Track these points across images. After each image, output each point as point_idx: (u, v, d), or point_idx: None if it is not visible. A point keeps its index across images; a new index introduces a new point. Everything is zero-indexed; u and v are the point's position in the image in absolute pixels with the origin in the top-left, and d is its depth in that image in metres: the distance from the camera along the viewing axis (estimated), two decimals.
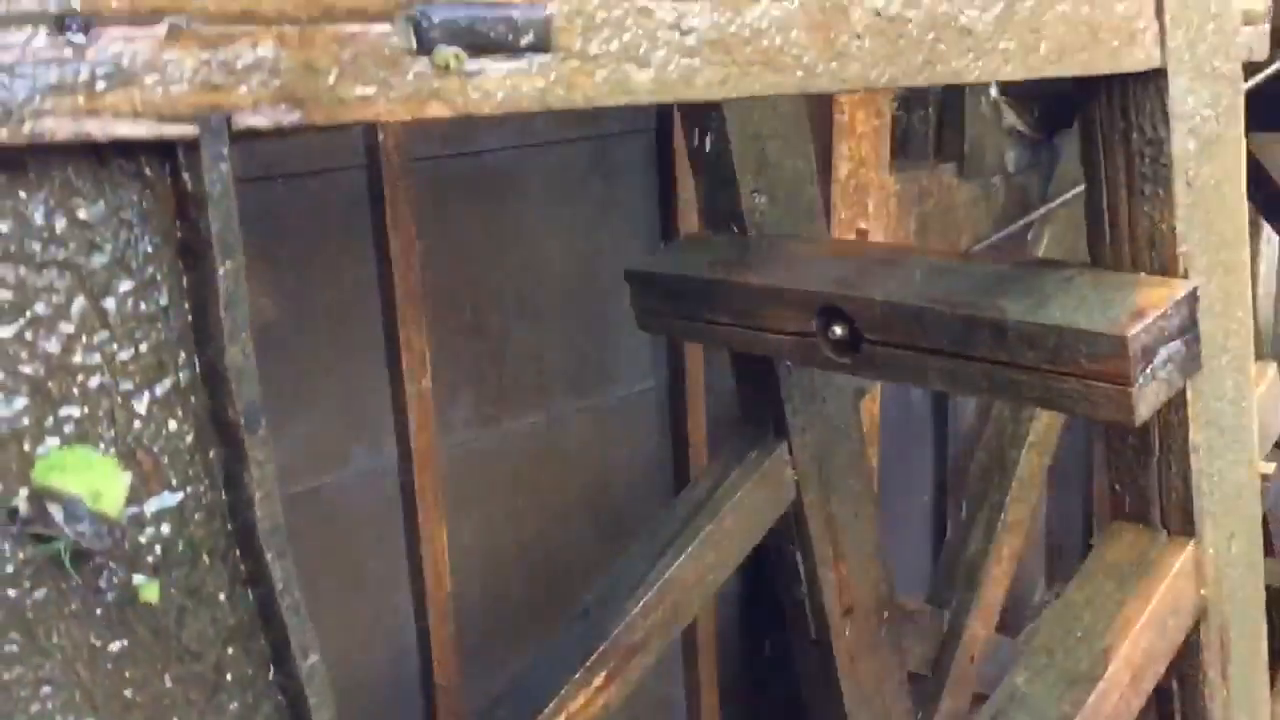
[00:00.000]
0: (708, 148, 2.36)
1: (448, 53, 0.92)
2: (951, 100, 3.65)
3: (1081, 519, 4.45)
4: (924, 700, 3.21)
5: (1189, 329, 1.74)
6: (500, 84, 0.96)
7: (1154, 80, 1.63)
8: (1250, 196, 1.90)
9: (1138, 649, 1.86)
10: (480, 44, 0.94)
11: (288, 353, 2.49)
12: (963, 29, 1.33)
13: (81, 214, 0.80)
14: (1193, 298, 1.73)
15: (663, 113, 3.04)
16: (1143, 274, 1.77)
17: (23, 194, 0.78)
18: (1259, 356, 2.14)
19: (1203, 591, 1.96)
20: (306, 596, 0.89)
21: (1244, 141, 1.82)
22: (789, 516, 2.66)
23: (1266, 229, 4.09)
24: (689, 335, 2.60)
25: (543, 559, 3.03)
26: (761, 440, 2.60)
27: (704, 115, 2.31)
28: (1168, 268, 1.75)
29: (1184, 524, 1.93)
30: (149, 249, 0.84)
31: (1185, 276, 1.75)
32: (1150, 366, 1.67)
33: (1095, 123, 1.73)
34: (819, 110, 3.18)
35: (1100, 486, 4.16)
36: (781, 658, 3.28)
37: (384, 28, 0.89)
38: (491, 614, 2.92)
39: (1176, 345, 1.72)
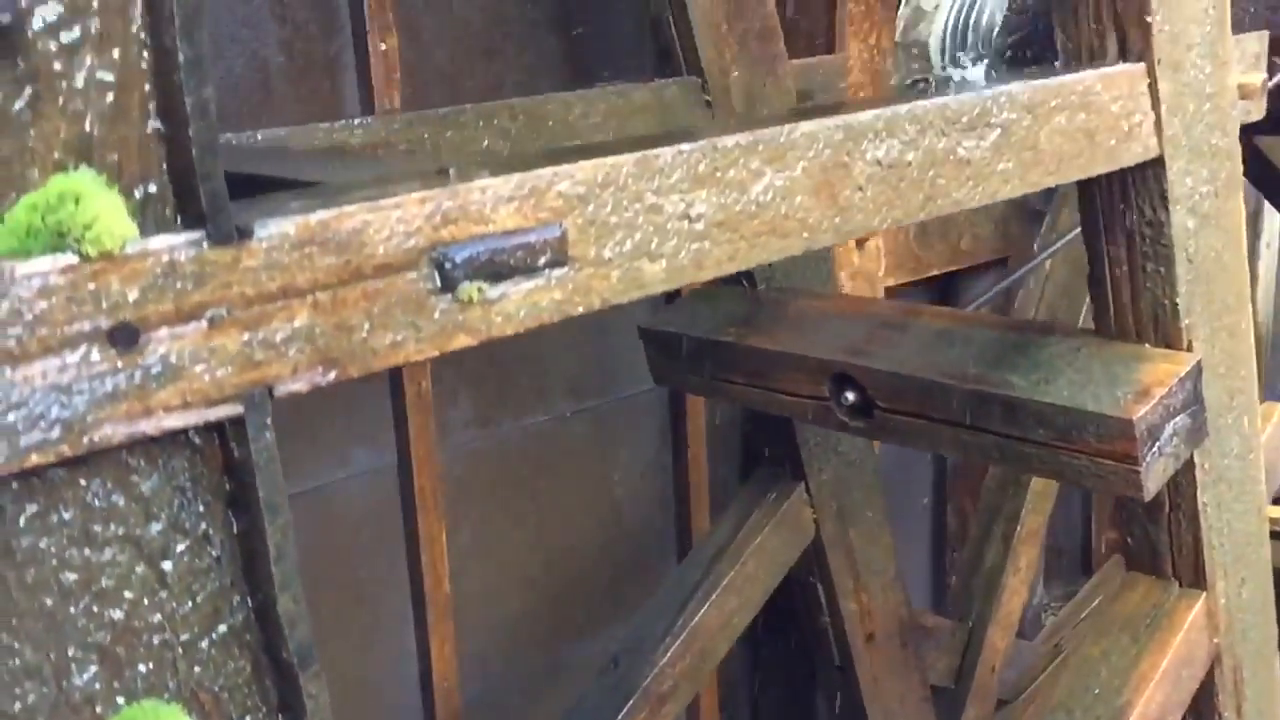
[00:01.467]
0: None
1: (471, 288, 0.96)
2: None
3: (1081, 523, 4.50)
4: (947, 712, 3.27)
5: (1194, 401, 1.78)
6: (521, 304, 1.00)
7: (1152, 167, 1.66)
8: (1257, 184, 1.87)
9: (1154, 703, 1.91)
10: (501, 272, 0.98)
11: None
12: (961, 160, 1.37)
13: (139, 489, 0.85)
14: (1197, 371, 1.77)
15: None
16: (1147, 345, 1.81)
17: (83, 482, 0.83)
18: (1259, 353, 2.18)
19: (1216, 640, 2.01)
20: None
21: (1243, 207, 1.85)
22: (809, 551, 2.72)
23: (1265, 232, 4.09)
24: (705, 392, 2.64)
25: (542, 560, 3.05)
26: (779, 481, 2.66)
27: None
28: (1171, 341, 1.78)
29: (1195, 577, 1.98)
30: (201, 508, 0.89)
31: (1189, 348, 1.78)
32: (1157, 444, 1.71)
33: (1094, 200, 1.76)
34: None
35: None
36: (779, 661, 3.36)
37: (410, 275, 0.93)
38: (491, 615, 2.94)
39: (1182, 419, 1.76)
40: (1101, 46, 1.63)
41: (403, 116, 1.84)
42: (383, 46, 2.45)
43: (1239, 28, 3.17)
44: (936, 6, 3.96)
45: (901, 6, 4.00)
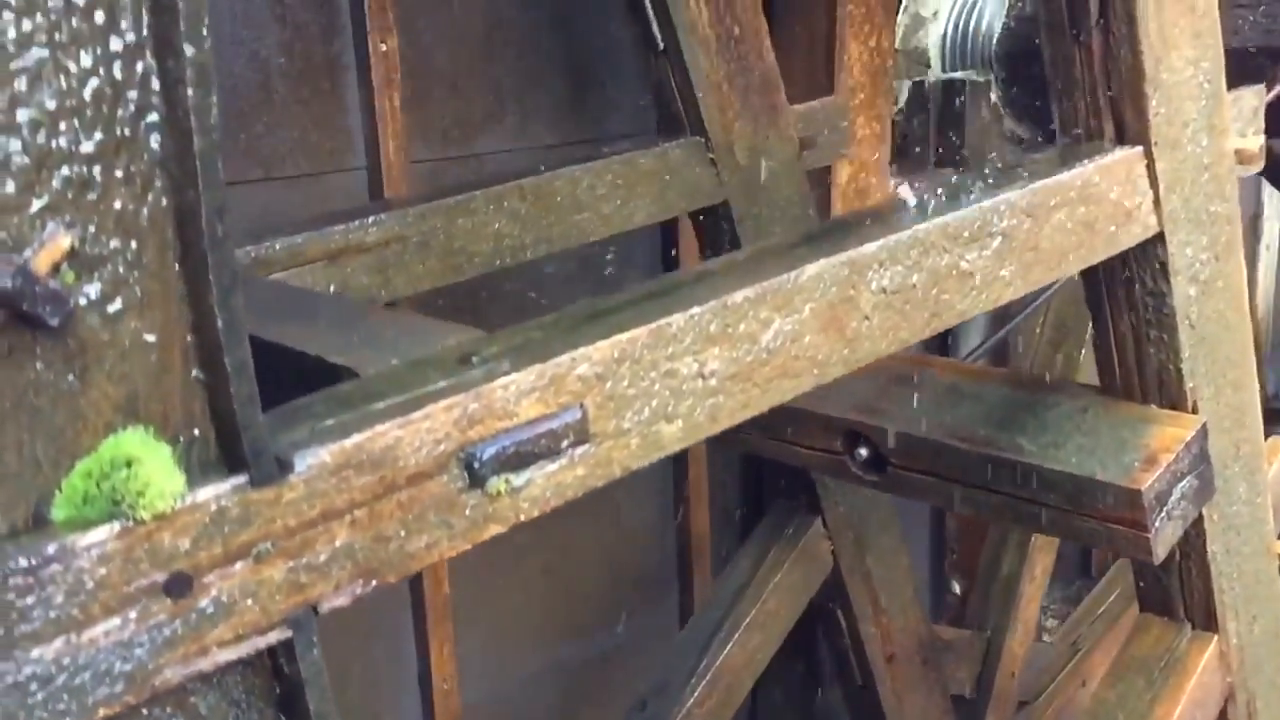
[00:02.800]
0: (722, 250, 2.42)
1: (499, 482, 1.00)
2: (951, 105, 3.70)
3: None
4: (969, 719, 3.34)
5: (1201, 462, 1.82)
6: (546, 486, 1.05)
7: (1152, 243, 1.69)
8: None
9: None
10: (526, 460, 1.03)
11: None
12: (964, 274, 1.40)
13: (197, 709, 0.91)
14: (1203, 433, 1.80)
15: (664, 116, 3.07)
16: (1153, 407, 1.84)
17: (145, 711, 0.88)
18: (1258, 349, 2.21)
19: (1229, 679, 2.06)
20: None
21: (1244, 267, 1.88)
22: (828, 579, 2.78)
23: (1265, 235, 4.11)
24: (720, 441, 2.67)
25: (541, 561, 3.06)
26: (795, 515, 2.71)
27: (717, 224, 2.38)
28: (1177, 402, 1.82)
29: (1207, 620, 2.03)
30: (255, 716, 0.94)
31: (1194, 410, 1.82)
32: (1165, 509, 1.75)
33: (1096, 271, 1.79)
34: None
35: None
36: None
37: (441, 478, 0.98)
38: (490, 616, 2.96)
39: (1190, 481, 1.80)
40: (1099, 127, 1.66)
41: (414, 210, 1.88)
42: (383, 47, 2.46)
43: (1238, 36, 3.19)
44: (935, 14, 3.97)
45: (900, 14, 4.00)
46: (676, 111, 2.27)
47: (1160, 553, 1.76)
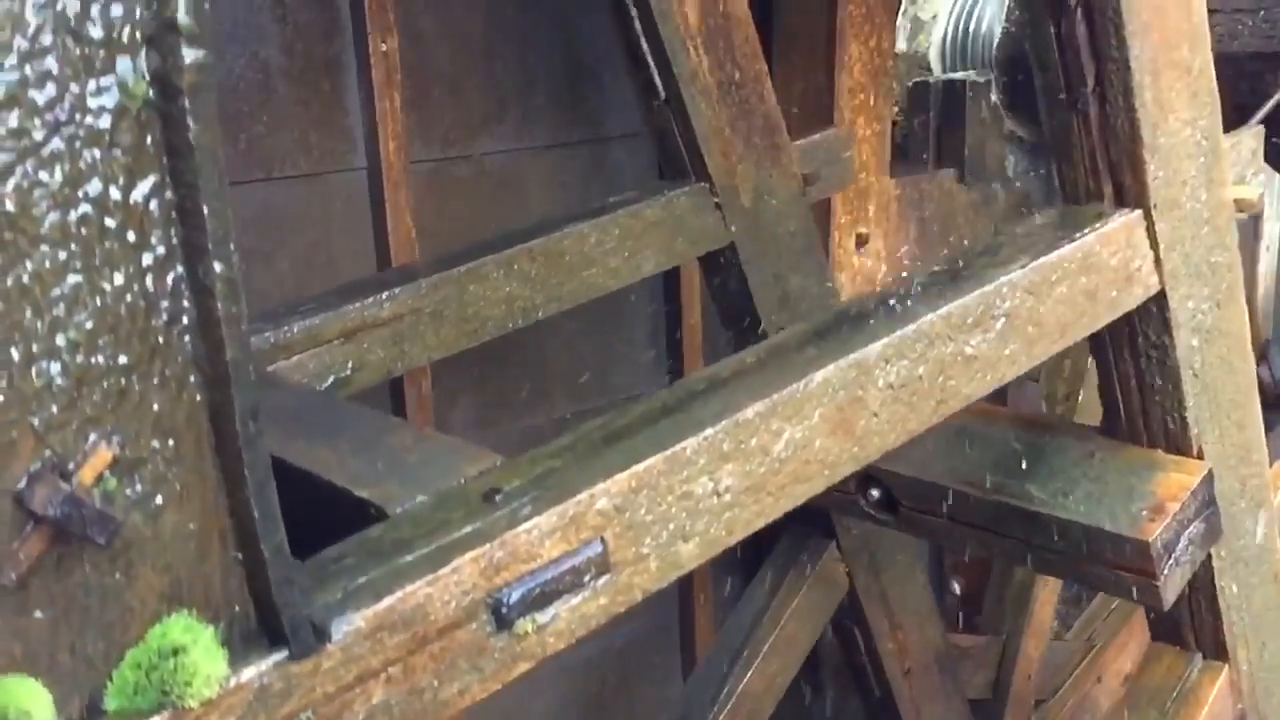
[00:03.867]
0: (729, 290, 2.46)
1: (525, 622, 1.04)
2: (952, 105, 3.71)
3: None
4: None
5: (1207, 506, 1.85)
6: (570, 619, 1.09)
7: (1154, 299, 1.72)
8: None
9: None
10: (550, 598, 1.07)
11: None
12: (969, 358, 1.43)
13: None
14: (1209, 479, 1.84)
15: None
16: (1159, 452, 1.88)
17: None
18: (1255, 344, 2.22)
19: (1240, 706, 2.10)
20: None
21: (1245, 310, 1.90)
22: (844, 600, 2.82)
23: (1265, 236, 4.12)
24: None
25: None
26: (810, 540, 2.75)
27: (724, 266, 2.40)
28: (1182, 448, 1.85)
29: (1218, 650, 2.07)
30: None
31: (1199, 455, 1.85)
32: (1174, 556, 1.79)
33: None
34: (819, 113, 3.24)
35: None
36: None
37: (470, 626, 1.02)
38: None
39: (1197, 526, 1.83)
40: (1098, 189, 1.68)
41: (427, 281, 1.91)
42: (383, 47, 2.48)
43: (1237, 41, 3.18)
44: (934, 17, 3.97)
45: (899, 17, 4.00)
46: (679, 155, 2.29)
47: (1169, 598, 1.80)
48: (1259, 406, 1.99)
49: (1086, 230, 1.58)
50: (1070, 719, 3.56)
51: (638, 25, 2.17)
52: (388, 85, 2.50)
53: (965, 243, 3.74)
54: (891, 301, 1.41)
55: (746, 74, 2.30)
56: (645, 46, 2.19)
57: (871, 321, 1.38)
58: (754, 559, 2.90)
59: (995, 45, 3.71)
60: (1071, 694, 3.62)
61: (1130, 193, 1.65)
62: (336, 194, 2.58)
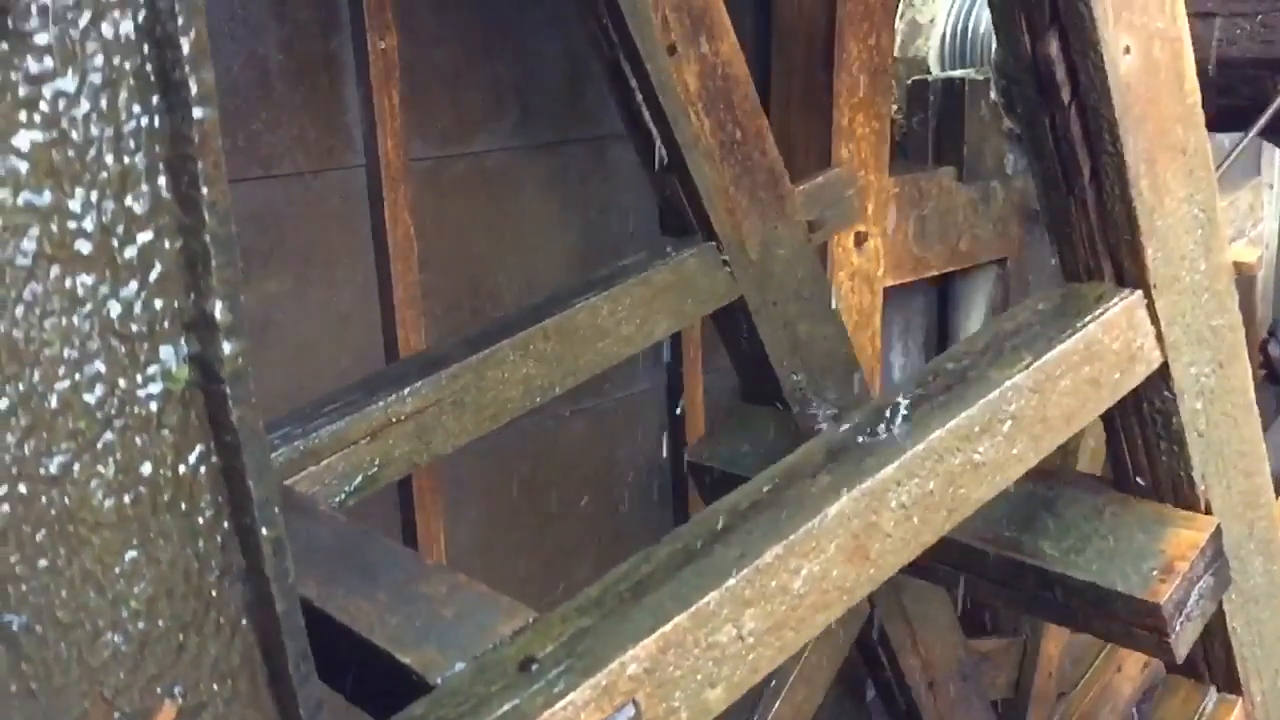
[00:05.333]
0: (740, 340, 2.50)
1: None
2: (951, 103, 3.73)
3: None
4: None
5: (1216, 559, 1.90)
6: None
7: (1157, 371, 1.76)
8: None
9: None
10: None
11: (286, 353, 2.58)
12: (978, 465, 1.48)
13: None
14: (1217, 534, 1.88)
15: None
16: (1167, 506, 1.92)
17: None
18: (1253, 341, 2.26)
19: None
20: None
21: (1249, 366, 1.94)
22: (867, 621, 2.89)
23: (1265, 235, 4.13)
24: None
25: (541, 560, 3.13)
26: None
27: (733, 319, 2.45)
28: (1190, 504, 1.90)
29: (1231, 683, 2.13)
30: None
31: (1207, 509, 1.90)
32: (1185, 613, 1.84)
33: None
34: (818, 111, 3.27)
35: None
36: None
37: None
38: None
39: (1206, 580, 1.88)
40: (1098, 267, 1.71)
41: (446, 372, 1.95)
42: (382, 45, 2.50)
43: (1235, 46, 3.19)
44: (932, 20, 3.97)
45: (898, 20, 4.00)
46: (684, 213, 2.33)
47: (1182, 653, 1.86)
48: (1264, 449, 2.04)
49: (1088, 319, 1.62)
50: (1092, 709, 3.64)
51: (638, 96, 2.20)
52: (386, 83, 2.51)
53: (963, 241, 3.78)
54: (900, 414, 1.46)
55: (748, 131, 2.33)
56: (647, 114, 2.21)
57: (883, 439, 1.42)
58: None
59: (994, 46, 3.72)
60: (1093, 684, 3.70)
61: (1130, 274, 1.69)
62: (335, 191, 2.61)
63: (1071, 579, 1.88)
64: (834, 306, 2.62)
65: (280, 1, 2.43)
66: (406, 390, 1.92)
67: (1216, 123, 3.15)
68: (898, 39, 3.83)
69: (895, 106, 3.81)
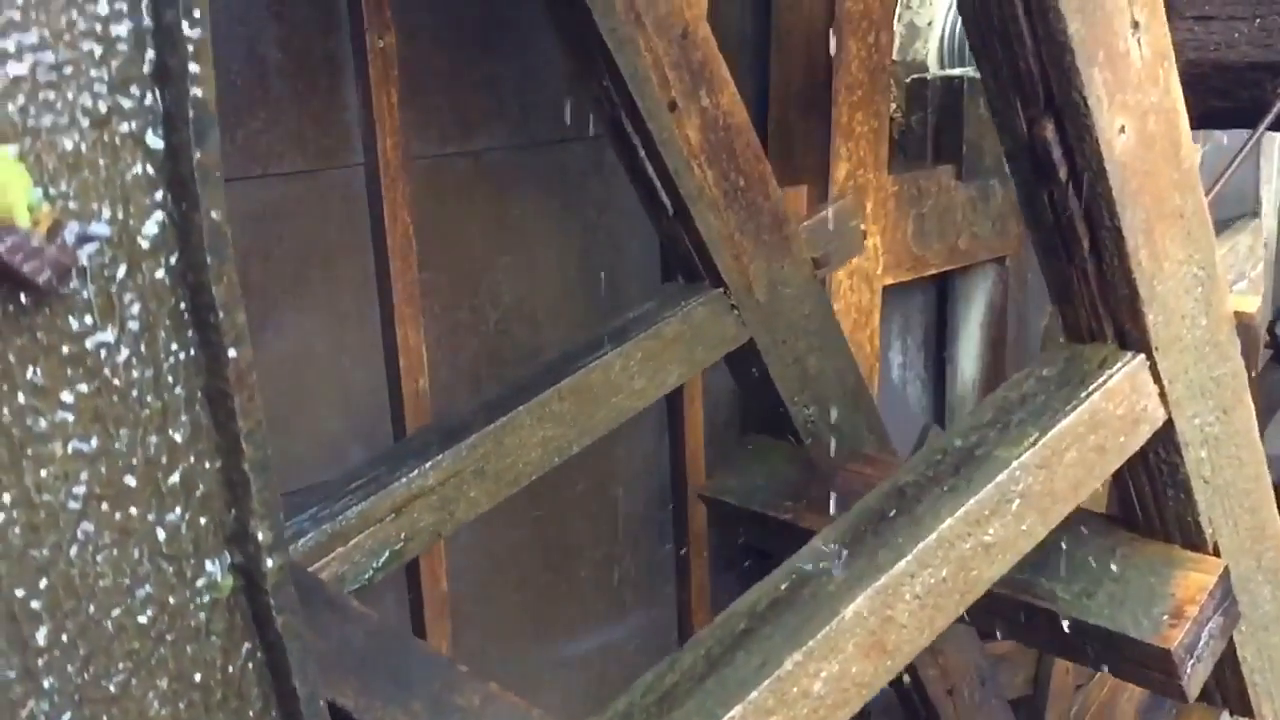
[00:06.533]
0: (750, 378, 2.54)
1: None
2: (950, 102, 3.74)
3: None
4: (1030, 718, 3.54)
5: (1224, 599, 1.94)
6: None
7: (1161, 430, 1.79)
8: None
9: None
10: None
11: (285, 352, 2.57)
12: (989, 545, 1.52)
13: None
14: (1225, 576, 1.93)
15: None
16: (1176, 548, 1.97)
17: None
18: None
19: None
20: None
21: (1253, 410, 1.97)
22: None
23: (1264, 233, 4.14)
24: (764, 548, 2.80)
25: (540, 558, 3.11)
26: None
27: (743, 361, 2.48)
28: (1198, 546, 1.94)
29: (1243, 707, 2.18)
30: None
31: (1215, 551, 1.94)
32: (1195, 655, 1.89)
33: None
34: (817, 109, 3.28)
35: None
36: None
37: None
38: (488, 614, 3.00)
39: (1216, 620, 1.93)
40: (1100, 330, 1.75)
41: (466, 442, 2.00)
42: (380, 43, 2.50)
43: (1234, 50, 3.20)
44: (930, 23, 3.98)
45: (895, 23, 4.00)
46: (690, 259, 2.36)
47: (1194, 693, 1.91)
48: (1270, 483, 2.07)
49: (1093, 388, 1.65)
50: (1110, 699, 3.70)
51: (641, 152, 2.22)
52: (385, 81, 2.51)
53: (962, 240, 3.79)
54: (911, 504, 1.50)
55: (751, 178, 2.35)
56: (650, 170, 2.24)
57: (895, 527, 1.47)
58: (756, 562, 2.98)
59: None
60: (1108, 677, 3.75)
61: (1132, 337, 1.72)
62: (334, 190, 2.60)
63: (1083, 623, 1.93)
64: (842, 339, 2.65)
65: (279, 0, 2.42)
66: (429, 464, 1.97)
67: (1217, 122, 3.15)
68: (896, 42, 3.84)
69: (894, 105, 3.82)
